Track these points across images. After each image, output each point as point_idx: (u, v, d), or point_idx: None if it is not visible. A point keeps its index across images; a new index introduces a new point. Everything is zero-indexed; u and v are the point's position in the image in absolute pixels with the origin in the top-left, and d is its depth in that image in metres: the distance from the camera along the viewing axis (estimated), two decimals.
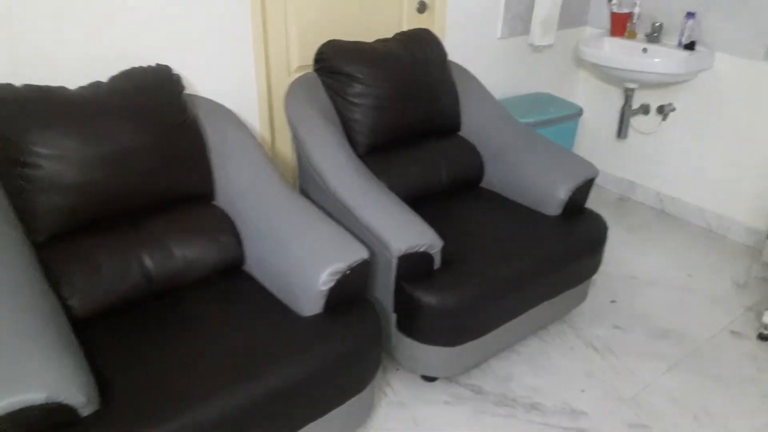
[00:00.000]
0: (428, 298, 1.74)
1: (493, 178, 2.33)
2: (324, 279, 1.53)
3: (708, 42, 2.81)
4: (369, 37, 2.34)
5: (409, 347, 1.86)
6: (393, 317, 1.85)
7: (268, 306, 1.62)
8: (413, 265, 1.76)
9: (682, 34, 2.82)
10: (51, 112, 1.55)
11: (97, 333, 1.49)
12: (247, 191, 1.80)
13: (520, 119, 2.72)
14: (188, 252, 1.67)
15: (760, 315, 2.41)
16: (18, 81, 1.62)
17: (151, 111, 1.69)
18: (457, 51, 2.76)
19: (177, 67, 1.96)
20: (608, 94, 3.30)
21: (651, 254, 2.83)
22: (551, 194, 2.13)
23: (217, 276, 1.73)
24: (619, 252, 2.83)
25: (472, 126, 2.39)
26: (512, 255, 1.93)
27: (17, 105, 1.53)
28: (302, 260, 1.58)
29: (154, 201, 1.71)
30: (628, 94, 3.05)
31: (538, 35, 2.95)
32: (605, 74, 3.13)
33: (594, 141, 3.45)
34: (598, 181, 3.50)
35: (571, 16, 3.17)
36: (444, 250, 1.82)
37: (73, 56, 1.77)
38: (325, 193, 1.95)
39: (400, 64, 2.17)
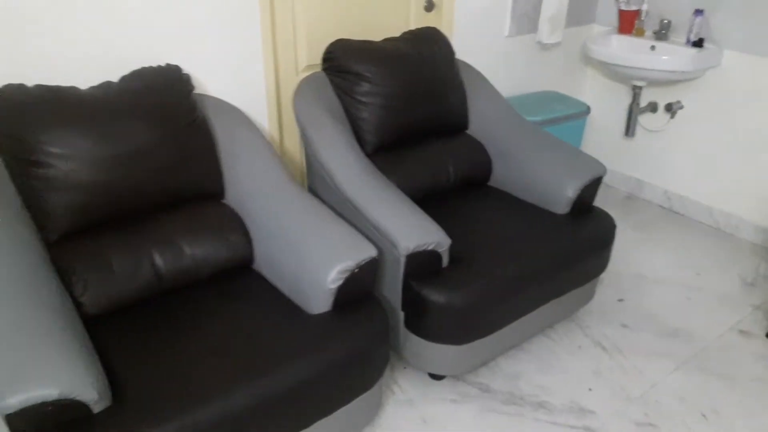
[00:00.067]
0: (436, 297, 1.75)
1: (501, 177, 2.33)
2: (333, 277, 1.54)
3: (716, 39, 2.80)
4: (377, 36, 2.34)
5: (416, 345, 1.87)
6: (401, 315, 1.86)
7: (277, 304, 1.63)
8: (421, 264, 1.76)
9: (690, 32, 2.81)
10: (63, 112, 1.56)
11: (108, 330, 1.50)
12: (257, 190, 1.81)
13: (527, 117, 2.71)
14: (198, 250, 1.68)
15: None
16: (26, 81, 1.62)
17: (162, 111, 1.70)
18: (464, 49, 2.76)
19: (186, 67, 1.97)
20: (616, 92, 3.29)
21: (659, 253, 2.82)
22: (559, 192, 2.13)
23: (227, 274, 1.74)
24: (627, 250, 2.83)
25: (480, 124, 2.39)
26: (520, 253, 1.93)
27: (29, 105, 1.55)
28: (311, 258, 1.59)
29: (165, 200, 1.72)
30: (636, 92, 3.04)
31: (545, 33, 2.94)
32: (613, 72, 3.12)
33: (602, 139, 3.44)
34: (605, 179, 3.49)
35: (578, 14, 3.16)
36: (452, 249, 1.82)
37: (79, 56, 1.78)
38: (333, 191, 1.96)
39: (408, 62, 2.17)
